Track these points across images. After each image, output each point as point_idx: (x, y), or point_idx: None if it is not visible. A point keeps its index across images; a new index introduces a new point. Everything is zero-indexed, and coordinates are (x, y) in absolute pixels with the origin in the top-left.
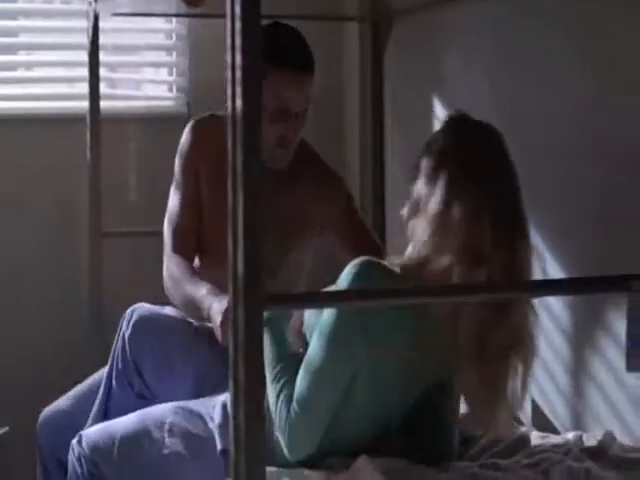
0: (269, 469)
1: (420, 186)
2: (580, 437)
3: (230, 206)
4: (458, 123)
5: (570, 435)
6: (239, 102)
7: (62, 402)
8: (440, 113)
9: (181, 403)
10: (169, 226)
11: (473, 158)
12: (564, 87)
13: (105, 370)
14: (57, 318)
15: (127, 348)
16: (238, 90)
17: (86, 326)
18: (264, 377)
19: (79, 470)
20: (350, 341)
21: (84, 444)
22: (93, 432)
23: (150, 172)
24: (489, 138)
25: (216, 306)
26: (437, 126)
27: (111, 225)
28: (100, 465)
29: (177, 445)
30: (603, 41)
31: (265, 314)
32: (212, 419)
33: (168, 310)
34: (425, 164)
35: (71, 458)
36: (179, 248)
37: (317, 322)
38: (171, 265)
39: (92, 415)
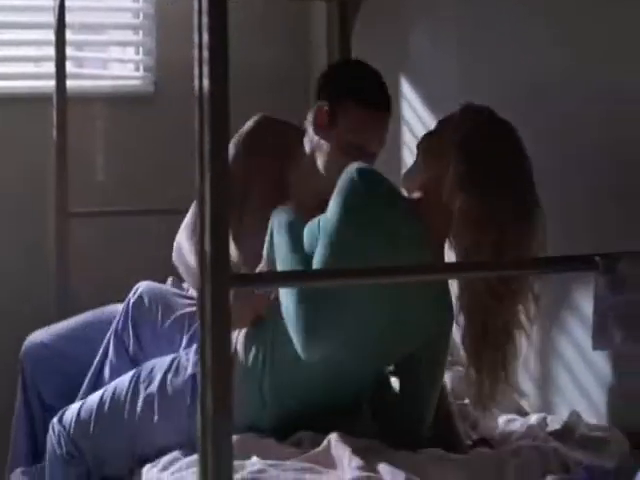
0: (235, 437)
1: (433, 165)
2: (544, 419)
3: (197, 187)
4: (480, 116)
5: (535, 417)
6: (206, 82)
7: (44, 335)
8: (407, 92)
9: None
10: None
11: (497, 153)
12: (533, 62)
13: (105, 338)
14: (24, 298)
15: (130, 313)
16: (205, 70)
17: (53, 305)
18: (231, 356)
19: (58, 451)
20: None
21: (65, 422)
22: (73, 409)
23: (117, 151)
24: (511, 134)
25: None
26: (405, 106)
27: (78, 205)
28: (79, 443)
29: (151, 389)
30: (575, 15)
31: (285, 217)
32: (187, 359)
33: (169, 287)
34: (446, 148)
35: (50, 437)
36: None
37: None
38: (183, 234)
39: (87, 379)
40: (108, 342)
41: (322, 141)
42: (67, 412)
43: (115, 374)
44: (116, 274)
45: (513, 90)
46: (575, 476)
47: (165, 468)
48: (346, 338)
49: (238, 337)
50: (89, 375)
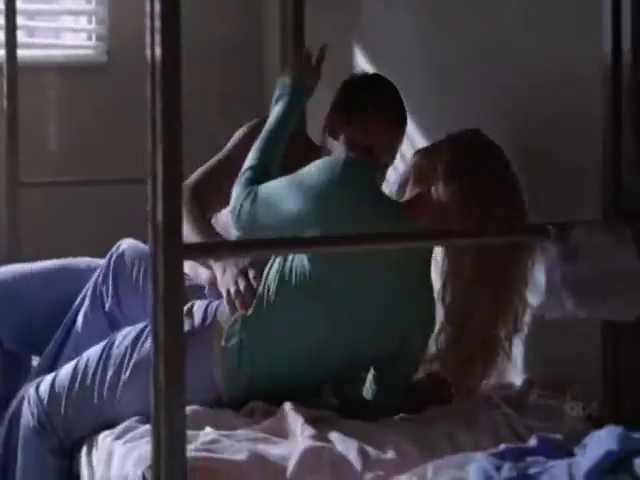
0: (188, 410)
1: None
2: (498, 385)
3: (149, 155)
4: (468, 132)
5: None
6: (158, 50)
7: (5, 272)
8: (360, 60)
9: None
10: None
11: (485, 155)
12: (491, 27)
13: (83, 292)
14: None
15: (111, 268)
16: (157, 38)
17: None
18: (183, 330)
19: (31, 423)
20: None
21: (41, 393)
22: (48, 381)
23: (69, 121)
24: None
25: (220, 277)
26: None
27: (30, 175)
28: (52, 418)
29: (121, 356)
30: None
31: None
32: None
33: None
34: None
35: (25, 406)
36: (203, 183)
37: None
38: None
39: (58, 333)
40: (85, 294)
41: (335, 142)
42: (43, 383)
43: (88, 327)
44: (68, 244)
45: (468, 56)
46: (528, 444)
47: (119, 437)
48: (337, 325)
49: (219, 305)
50: (62, 324)
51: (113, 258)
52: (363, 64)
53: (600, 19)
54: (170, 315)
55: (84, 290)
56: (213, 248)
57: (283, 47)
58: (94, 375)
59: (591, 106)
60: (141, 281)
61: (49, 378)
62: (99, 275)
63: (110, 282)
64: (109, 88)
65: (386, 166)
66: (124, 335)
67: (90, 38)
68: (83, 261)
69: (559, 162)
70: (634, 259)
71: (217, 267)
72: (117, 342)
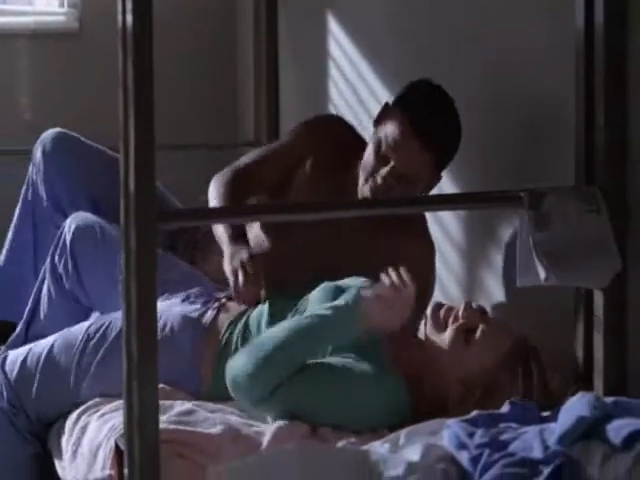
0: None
1: None
2: None
3: (121, 122)
4: None
5: None
6: (129, 17)
7: None
8: (334, 28)
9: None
10: (257, 153)
11: None
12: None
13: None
14: None
15: (68, 246)
16: (128, 5)
17: None
18: (156, 300)
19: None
20: None
21: (7, 369)
22: (17, 355)
23: (41, 88)
24: None
25: (229, 266)
26: (332, 43)
27: (3, 144)
28: (21, 396)
29: (102, 349)
30: None
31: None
32: None
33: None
34: None
35: None
36: (246, 174)
37: None
38: (221, 180)
39: (26, 311)
40: (44, 274)
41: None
42: (9, 358)
43: (52, 308)
44: None
45: (443, 25)
46: (501, 411)
47: (93, 410)
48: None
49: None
50: (28, 306)
51: (68, 236)
52: (336, 31)
53: None
54: (143, 286)
55: (43, 268)
56: (186, 215)
57: (257, 14)
58: (72, 357)
59: (566, 76)
60: (101, 256)
61: (20, 352)
62: (54, 254)
63: (69, 261)
64: (81, 55)
65: (400, 177)
66: (106, 324)
67: (62, 5)
68: None
69: (532, 129)
70: (606, 227)
71: (224, 245)
72: (98, 330)
